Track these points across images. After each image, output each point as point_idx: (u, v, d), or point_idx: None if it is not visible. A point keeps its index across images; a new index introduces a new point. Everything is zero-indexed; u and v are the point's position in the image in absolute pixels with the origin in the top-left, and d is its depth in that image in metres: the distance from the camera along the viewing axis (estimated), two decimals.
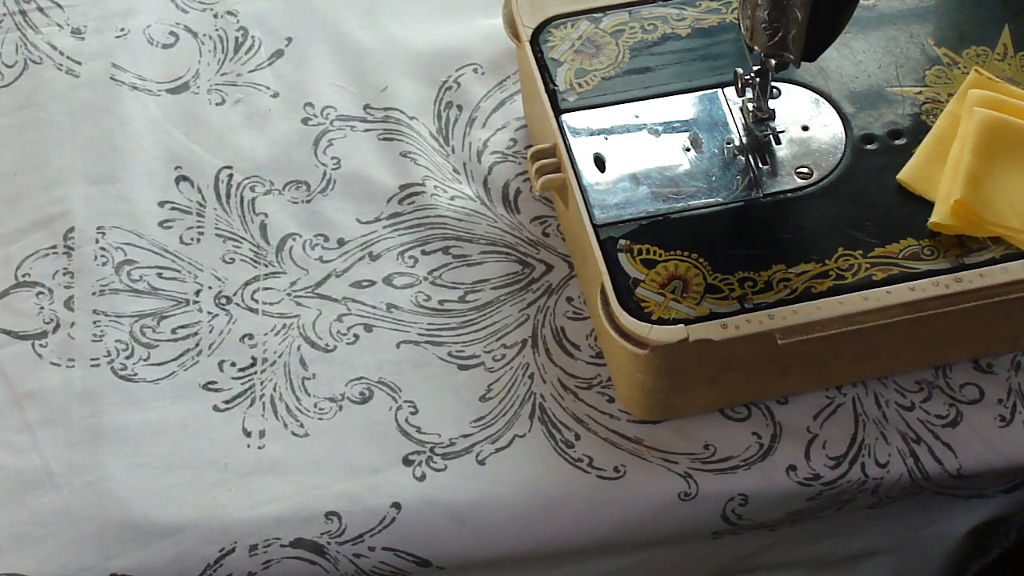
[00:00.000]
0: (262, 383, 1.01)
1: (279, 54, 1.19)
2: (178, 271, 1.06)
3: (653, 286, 0.93)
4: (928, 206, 0.96)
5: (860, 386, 1.01)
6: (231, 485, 0.97)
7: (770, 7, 0.91)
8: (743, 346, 0.92)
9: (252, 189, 1.11)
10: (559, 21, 1.06)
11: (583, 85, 1.03)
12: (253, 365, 1.02)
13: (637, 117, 1.02)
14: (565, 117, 1.02)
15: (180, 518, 0.95)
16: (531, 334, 1.03)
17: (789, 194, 0.98)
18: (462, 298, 1.05)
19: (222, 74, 1.17)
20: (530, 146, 1.08)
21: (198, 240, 1.08)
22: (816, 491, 0.98)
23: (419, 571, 0.97)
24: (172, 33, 1.20)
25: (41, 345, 1.03)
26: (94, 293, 1.05)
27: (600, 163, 1.00)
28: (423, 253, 1.07)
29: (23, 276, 1.06)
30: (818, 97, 1.03)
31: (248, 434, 0.99)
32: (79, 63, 1.17)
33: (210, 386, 1.01)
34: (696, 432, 0.99)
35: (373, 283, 1.06)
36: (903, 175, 0.98)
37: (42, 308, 1.04)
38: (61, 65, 1.17)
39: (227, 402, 1.01)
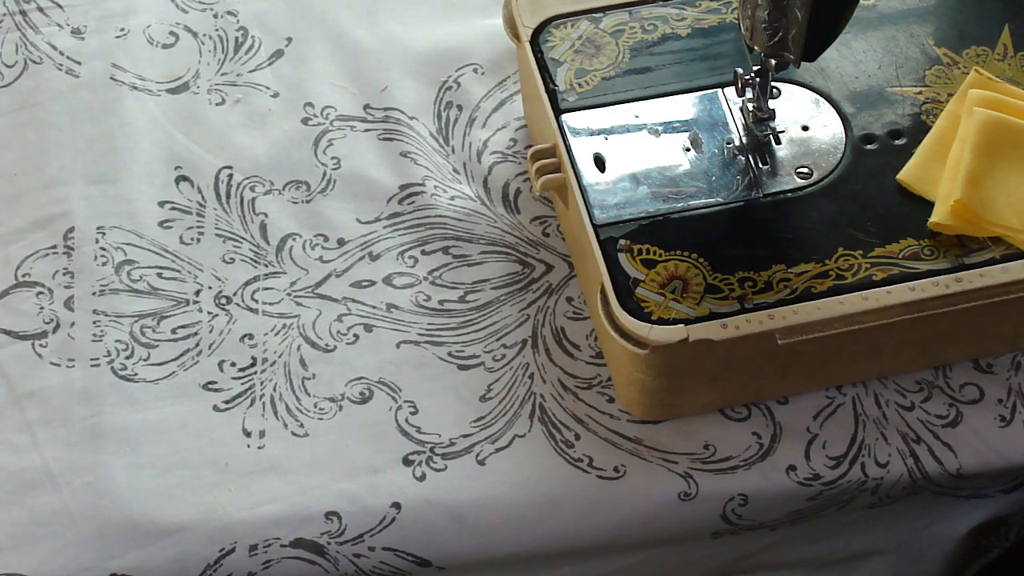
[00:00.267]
0: (262, 383, 1.01)
1: (279, 54, 1.19)
2: (178, 271, 1.06)
3: (653, 286, 0.93)
4: (928, 206, 0.96)
5: (860, 386, 1.01)
6: (231, 485, 0.97)
7: (770, 7, 0.91)
8: (743, 346, 0.92)
9: (252, 189, 1.11)
10: (559, 21, 1.06)
11: (583, 85, 1.03)
12: (253, 365, 1.02)
13: (637, 117, 1.02)
14: (565, 117, 1.02)
15: (180, 518, 0.95)
16: (531, 334, 1.03)
17: (789, 194, 0.98)
18: (462, 298, 1.05)
19: (222, 74, 1.17)
20: (530, 146, 1.08)
21: (198, 240, 1.08)
22: (816, 491, 0.98)
23: (419, 571, 0.97)
24: (172, 33, 1.20)
25: (41, 345, 1.03)
26: (94, 293, 1.05)
27: (600, 163, 1.00)
28: (423, 253, 1.07)
29: (23, 276, 1.06)
30: (818, 97, 1.03)
31: (248, 434, 0.99)
32: (79, 63, 1.17)
33: (210, 386, 1.01)
34: (696, 432, 0.99)
35: (373, 283, 1.06)
36: (903, 175, 0.98)
37: (42, 308, 1.04)
38: (61, 65, 1.17)
39: (227, 402, 1.01)
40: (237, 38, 1.19)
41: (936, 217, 0.95)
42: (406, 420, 1.00)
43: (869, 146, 1.00)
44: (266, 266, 1.07)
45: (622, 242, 0.95)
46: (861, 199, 0.97)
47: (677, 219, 0.97)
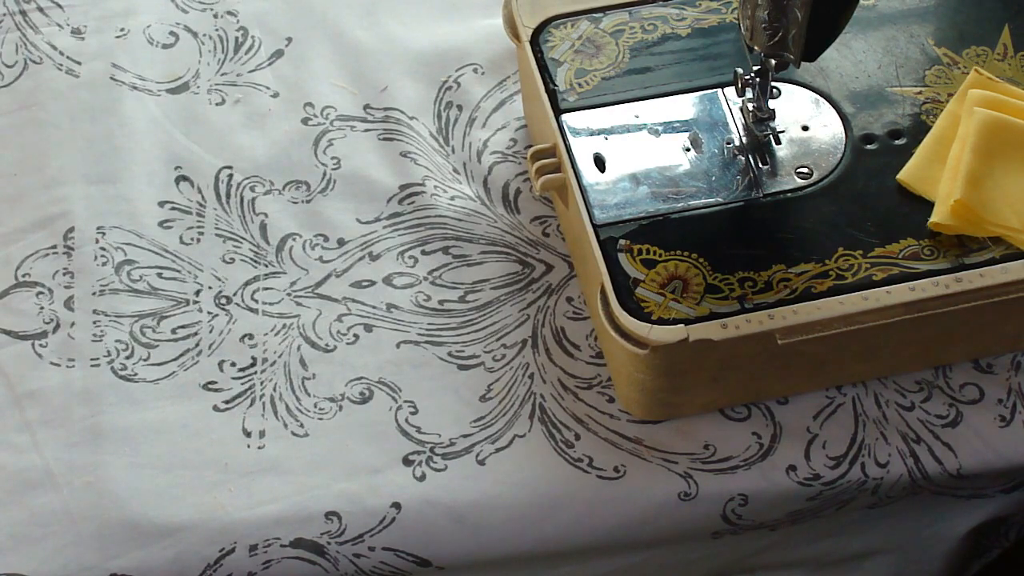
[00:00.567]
0: (262, 383, 1.01)
1: (279, 54, 1.19)
2: (178, 271, 1.06)
3: (653, 286, 0.93)
4: (928, 206, 0.96)
5: (860, 386, 1.01)
6: (231, 485, 0.97)
7: (770, 7, 0.91)
8: (743, 346, 0.92)
9: (252, 189, 1.11)
10: (559, 21, 1.06)
11: (583, 85, 1.03)
12: (253, 365, 1.02)
13: (637, 117, 1.02)
14: (565, 117, 1.02)
15: (180, 518, 0.95)
16: (531, 334, 1.03)
17: (789, 194, 0.98)
18: (462, 298, 1.05)
19: (222, 74, 1.17)
20: (530, 146, 1.08)
21: (198, 240, 1.08)
22: (816, 491, 0.98)
23: (419, 571, 0.97)
24: (172, 33, 1.20)
25: (41, 345, 1.03)
26: (94, 293, 1.05)
27: (600, 163, 1.00)
28: (423, 253, 1.07)
29: (23, 276, 1.06)
30: (818, 97, 1.03)
31: (248, 434, 0.99)
32: (79, 63, 1.17)
33: (210, 386, 1.01)
34: (696, 432, 0.99)
35: (373, 283, 1.06)
36: (903, 175, 0.98)
37: (42, 308, 1.04)
38: (61, 65, 1.17)
39: (227, 402, 1.01)
40: (237, 38, 1.19)
41: (936, 217, 0.95)
42: (406, 420, 1.00)
43: (869, 146, 1.00)
44: (266, 266, 1.07)
45: (622, 242, 0.95)
46: (861, 199, 0.97)
47: (677, 219, 0.97)
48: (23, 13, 1.20)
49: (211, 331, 1.03)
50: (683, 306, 0.92)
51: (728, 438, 0.99)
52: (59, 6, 1.21)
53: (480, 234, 1.08)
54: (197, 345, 1.03)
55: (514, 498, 0.97)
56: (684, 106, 1.02)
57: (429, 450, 0.98)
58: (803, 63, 0.95)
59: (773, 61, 0.96)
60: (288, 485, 0.97)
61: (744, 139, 1.00)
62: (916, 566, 1.10)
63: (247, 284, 1.06)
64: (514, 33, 1.07)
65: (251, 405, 1.00)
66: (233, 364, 1.02)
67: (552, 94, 1.03)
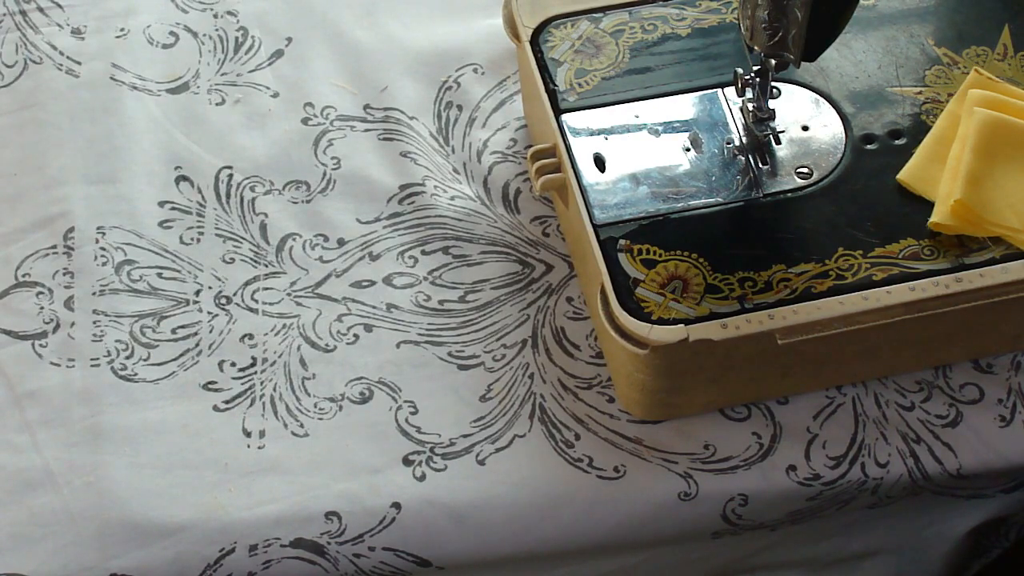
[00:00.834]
0: (262, 383, 1.01)
1: (279, 54, 1.19)
2: (178, 271, 1.06)
3: (653, 286, 0.93)
4: (928, 206, 0.96)
5: (860, 386, 1.01)
6: (231, 485, 0.97)
7: (770, 7, 0.91)
8: (743, 346, 0.92)
9: (252, 189, 1.11)
10: (559, 21, 1.06)
11: (583, 85, 1.03)
12: (253, 365, 1.02)
13: (637, 117, 1.02)
14: (565, 117, 1.02)
15: (180, 518, 0.95)
16: (531, 334, 1.03)
17: (789, 194, 0.98)
18: (462, 298, 1.05)
19: (222, 74, 1.17)
20: (530, 146, 1.08)
21: (198, 240, 1.08)
22: (816, 491, 0.98)
23: (419, 571, 0.97)
24: (172, 33, 1.20)
25: (41, 345, 1.03)
26: (94, 293, 1.05)
27: (600, 163, 1.00)
28: (423, 253, 1.07)
29: (23, 276, 1.06)
30: (818, 97, 1.03)
31: (248, 434, 0.99)
32: (79, 63, 1.17)
33: (210, 386, 1.01)
34: (696, 432, 0.99)
35: (373, 283, 1.06)
36: (903, 175, 0.98)
37: (42, 308, 1.04)
38: (61, 65, 1.17)
39: (227, 402, 1.01)
40: (237, 38, 1.19)
41: (936, 217, 0.95)
42: (406, 420, 1.00)
43: (869, 146, 1.00)
44: (266, 266, 1.07)
45: (622, 242, 0.95)
46: (861, 199, 0.97)
47: (677, 219, 0.97)
48: (23, 13, 1.20)
49: (211, 331, 1.03)
50: (683, 306, 0.92)
51: (728, 438, 0.99)
52: (59, 6, 1.21)
53: (480, 234, 1.08)
54: (197, 345, 1.03)
55: (514, 498, 0.97)
56: (684, 106, 1.02)
57: (429, 450, 0.98)
58: (803, 63, 0.95)
59: (773, 61, 0.96)
60: (288, 485, 0.97)
61: (744, 139, 1.00)
62: (916, 566, 1.10)
63: (247, 284, 1.06)
64: (514, 33, 1.07)
65: (251, 405, 1.00)
66: (233, 364, 1.02)
67: (552, 94, 1.03)
